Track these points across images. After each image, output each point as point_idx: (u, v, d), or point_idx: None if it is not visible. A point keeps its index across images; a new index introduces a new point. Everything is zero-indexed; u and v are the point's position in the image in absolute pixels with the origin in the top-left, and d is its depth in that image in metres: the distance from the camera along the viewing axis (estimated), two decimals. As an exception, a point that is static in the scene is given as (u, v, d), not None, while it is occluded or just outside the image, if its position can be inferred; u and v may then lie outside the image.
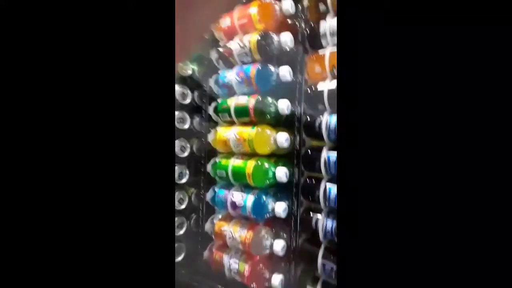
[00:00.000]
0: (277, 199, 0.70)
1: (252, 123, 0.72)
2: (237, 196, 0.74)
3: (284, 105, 0.68)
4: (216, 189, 0.80)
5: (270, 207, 0.70)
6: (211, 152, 0.83)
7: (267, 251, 0.70)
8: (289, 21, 0.69)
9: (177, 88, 0.86)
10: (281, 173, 0.68)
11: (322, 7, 0.62)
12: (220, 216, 0.82)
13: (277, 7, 0.68)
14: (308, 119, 0.65)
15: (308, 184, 0.65)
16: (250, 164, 0.71)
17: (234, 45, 0.74)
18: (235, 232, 0.75)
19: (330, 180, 0.61)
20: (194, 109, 0.90)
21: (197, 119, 0.90)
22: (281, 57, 0.69)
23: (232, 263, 0.75)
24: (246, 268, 0.72)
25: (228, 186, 0.78)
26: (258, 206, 0.70)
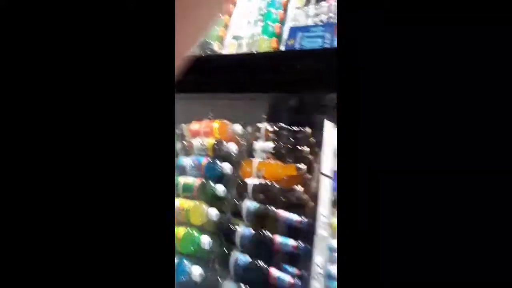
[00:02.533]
0: (195, 264, 0.82)
1: (193, 198, 0.92)
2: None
3: (220, 189, 0.92)
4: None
5: (187, 271, 0.80)
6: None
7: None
8: (237, 137, 1.04)
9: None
10: (205, 241, 0.83)
11: (257, 134, 0.99)
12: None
13: (230, 127, 1.04)
14: (235, 203, 0.88)
15: (225, 253, 0.81)
16: (181, 230, 0.85)
17: (196, 141, 1.03)
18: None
19: (241, 252, 0.79)
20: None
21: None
22: (226, 158, 0.99)
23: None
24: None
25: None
26: (178, 268, 0.80)
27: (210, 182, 0.94)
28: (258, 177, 0.91)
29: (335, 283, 0.70)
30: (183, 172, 1.00)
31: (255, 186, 0.88)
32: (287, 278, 0.69)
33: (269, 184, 0.87)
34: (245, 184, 0.90)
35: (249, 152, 0.98)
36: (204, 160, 0.98)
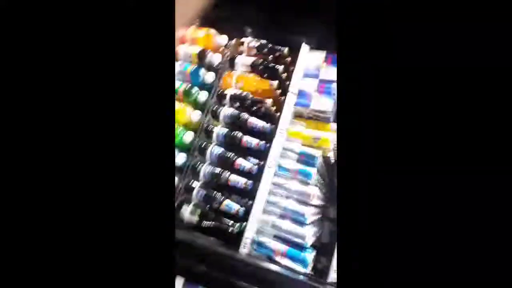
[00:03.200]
0: (180, 152, 1.04)
1: (178, 101, 1.07)
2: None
3: (203, 95, 1.06)
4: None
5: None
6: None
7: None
8: (221, 48, 1.12)
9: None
10: (188, 137, 1.03)
11: (241, 48, 1.08)
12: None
13: (216, 38, 1.10)
14: (214, 108, 1.04)
15: (203, 147, 1.02)
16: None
17: (181, 49, 1.11)
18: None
19: (216, 145, 1.01)
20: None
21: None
22: (210, 67, 1.09)
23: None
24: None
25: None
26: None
27: (195, 87, 1.07)
28: (236, 87, 1.05)
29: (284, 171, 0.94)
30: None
31: (232, 95, 1.03)
32: (248, 165, 0.93)
33: (245, 94, 1.02)
34: (223, 93, 1.04)
35: (231, 64, 1.08)
36: (189, 68, 1.08)
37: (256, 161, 0.95)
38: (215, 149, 1.00)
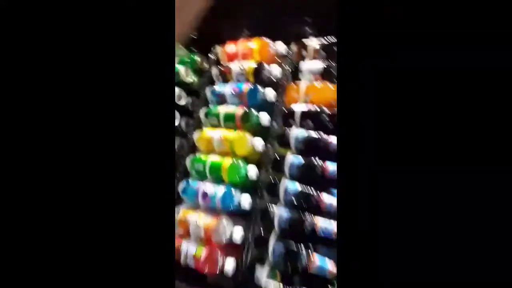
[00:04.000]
0: (243, 192, 0.82)
1: (235, 128, 0.87)
2: (209, 187, 0.84)
3: (265, 118, 0.85)
4: (190, 181, 0.90)
5: (236, 199, 0.81)
6: (191, 150, 0.95)
7: (227, 239, 0.78)
8: (279, 59, 0.91)
9: (176, 89, 1.01)
10: (252, 171, 0.81)
11: (304, 53, 0.85)
12: (186, 206, 0.90)
13: (272, 46, 0.91)
14: (282, 131, 0.82)
15: (273, 183, 0.79)
16: (227, 161, 0.83)
17: (234, 66, 0.93)
18: (200, 219, 0.83)
19: (290, 179, 0.76)
20: (185, 112, 1.03)
21: (185, 120, 1.03)
22: (269, 83, 0.89)
23: (189, 248, 0.81)
24: (203, 253, 0.79)
25: (202, 179, 0.88)
26: (227, 196, 0.81)
27: (253, 110, 0.87)
28: (306, 102, 0.82)
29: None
30: (223, 100, 0.93)
31: (303, 112, 0.80)
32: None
33: (319, 109, 0.78)
34: (291, 110, 0.81)
35: (295, 75, 0.86)
36: (245, 87, 0.89)
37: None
38: (289, 185, 0.75)
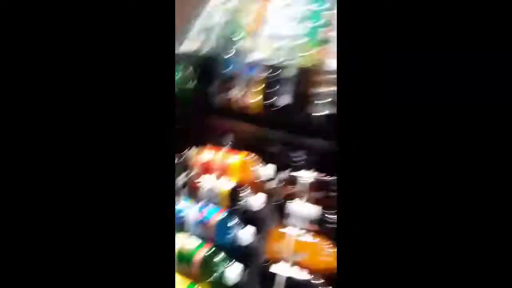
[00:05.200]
0: None
1: (190, 277, 0.62)
2: None
3: (232, 275, 0.61)
4: None
5: None
6: None
7: None
8: (265, 187, 0.71)
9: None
10: None
11: (296, 186, 0.66)
12: None
13: (260, 168, 0.71)
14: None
15: None
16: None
17: (206, 182, 0.72)
18: None
19: None
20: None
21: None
22: (249, 216, 0.67)
23: None
24: None
25: None
26: None
27: (220, 253, 0.63)
28: (293, 263, 0.60)
29: None
30: (182, 227, 0.69)
31: (288, 280, 0.57)
32: None
33: (310, 281, 0.57)
34: (272, 275, 0.59)
35: (281, 213, 0.66)
36: (216, 215, 0.67)
37: None
38: None
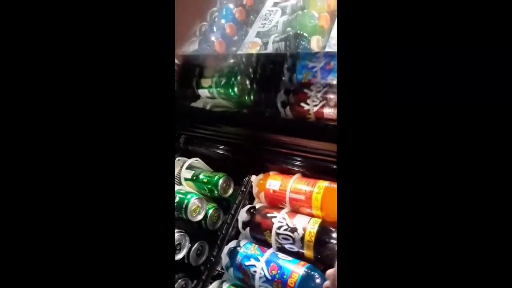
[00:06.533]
0: None
1: None
2: None
3: None
4: None
5: None
6: None
7: None
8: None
9: (175, 236, 0.62)
10: None
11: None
12: None
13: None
14: None
15: None
16: None
17: (278, 220, 0.54)
18: None
19: None
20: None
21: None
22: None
23: None
24: None
25: None
26: None
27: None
28: None
29: None
30: (247, 283, 0.51)
31: None
32: None
33: None
34: None
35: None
36: (295, 272, 0.48)
37: None
38: None
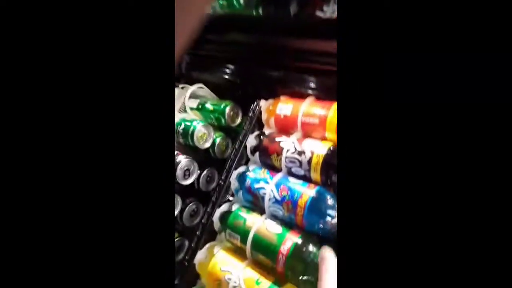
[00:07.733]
0: None
1: (274, 273, 0.45)
2: None
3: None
4: None
5: None
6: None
7: None
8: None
9: (183, 161, 0.61)
10: None
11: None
12: None
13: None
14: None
15: None
16: None
17: (287, 144, 0.51)
18: None
19: None
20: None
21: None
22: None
23: None
24: None
25: None
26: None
27: (311, 244, 0.44)
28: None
29: None
30: (257, 205, 0.51)
31: None
32: None
33: None
34: None
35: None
36: (305, 193, 0.47)
37: None
38: None
